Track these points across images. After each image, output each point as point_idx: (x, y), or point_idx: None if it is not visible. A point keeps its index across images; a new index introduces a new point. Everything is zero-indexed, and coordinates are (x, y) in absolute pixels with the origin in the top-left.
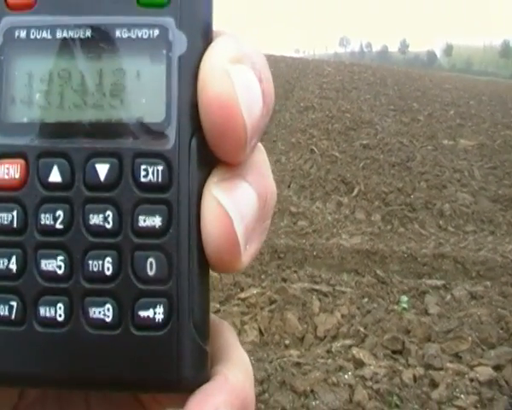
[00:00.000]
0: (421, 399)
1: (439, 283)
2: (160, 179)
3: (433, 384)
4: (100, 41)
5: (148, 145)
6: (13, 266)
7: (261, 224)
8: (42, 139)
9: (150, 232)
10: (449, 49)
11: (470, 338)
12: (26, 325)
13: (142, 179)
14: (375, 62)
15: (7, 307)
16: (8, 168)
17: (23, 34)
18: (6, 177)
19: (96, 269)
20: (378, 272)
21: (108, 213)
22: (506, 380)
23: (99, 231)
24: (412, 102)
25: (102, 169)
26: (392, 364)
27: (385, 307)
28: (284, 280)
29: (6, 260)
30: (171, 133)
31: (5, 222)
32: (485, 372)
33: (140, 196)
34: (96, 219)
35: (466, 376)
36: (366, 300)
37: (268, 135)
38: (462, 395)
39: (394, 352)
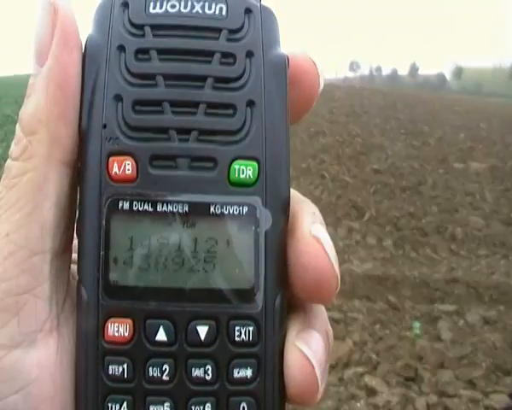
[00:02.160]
0: None
1: (452, 308)
2: (250, 338)
3: None
4: (196, 215)
5: (239, 308)
6: None
7: (327, 365)
8: (147, 302)
9: (243, 381)
10: (458, 72)
11: (484, 364)
12: None
13: (236, 339)
14: (385, 86)
15: None
16: (118, 326)
17: (126, 206)
18: (116, 334)
19: None
20: (390, 297)
21: (208, 367)
22: None
23: (200, 382)
24: (422, 126)
25: (203, 330)
26: (404, 391)
27: (397, 334)
28: None
29: (118, 406)
30: (259, 298)
31: (116, 373)
32: (500, 399)
33: (234, 352)
34: (197, 372)
35: (480, 403)
36: (378, 326)
37: None
38: None
39: (407, 379)
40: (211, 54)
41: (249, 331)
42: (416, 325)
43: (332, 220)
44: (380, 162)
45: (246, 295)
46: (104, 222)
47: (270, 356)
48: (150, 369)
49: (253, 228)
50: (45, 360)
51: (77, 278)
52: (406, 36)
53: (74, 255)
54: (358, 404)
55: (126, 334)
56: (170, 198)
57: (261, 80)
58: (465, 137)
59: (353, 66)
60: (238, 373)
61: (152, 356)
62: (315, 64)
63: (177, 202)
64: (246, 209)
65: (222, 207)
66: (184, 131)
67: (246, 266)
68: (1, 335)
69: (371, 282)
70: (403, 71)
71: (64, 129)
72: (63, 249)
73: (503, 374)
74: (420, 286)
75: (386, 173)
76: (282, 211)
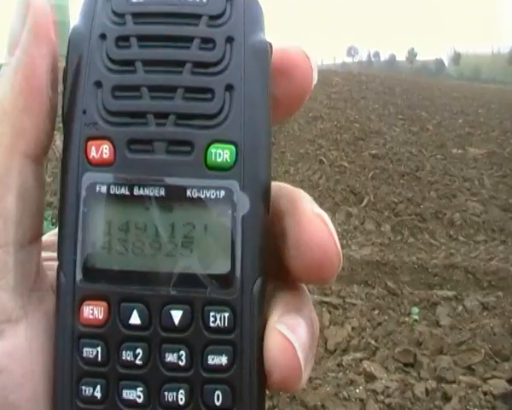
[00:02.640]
0: None
1: (451, 294)
2: (226, 324)
3: (446, 398)
4: (172, 199)
5: (215, 294)
6: (97, 394)
7: (312, 353)
8: (122, 285)
9: (217, 369)
10: (457, 58)
11: (483, 350)
12: None
13: (211, 324)
14: (383, 72)
15: None
16: (92, 309)
17: (104, 189)
18: (91, 316)
19: (170, 399)
20: (388, 283)
21: (182, 352)
22: None
23: (173, 367)
24: (421, 112)
25: (177, 315)
26: (403, 377)
27: (396, 319)
28: None
29: (91, 389)
30: (236, 284)
31: (90, 356)
32: (499, 385)
33: (209, 338)
34: (171, 357)
35: (479, 389)
36: (377, 312)
37: (276, 146)
38: (476, 409)
39: (406, 365)
40: (190, 39)
41: (225, 318)
42: (415, 310)
43: (330, 205)
44: (378, 148)
45: (222, 280)
46: (81, 206)
47: (247, 344)
48: (124, 353)
49: (230, 212)
50: (13, 349)
51: (50, 270)
52: (404, 21)
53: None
54: (357, 390)
55: (101, 316)
56: (146, 182)
57: (241, 66)
58: (463, 123)
59: (351, 51)
60: (213, 360)
61: (125, 340)
62: (308, 58)
63: (154, 186)
64: (222, 193)
65: (198, 191)
66: (162, 116)
67: (222, 251)
68: None
69: (370, 267)
70: (401, 56)
71: (29, 121)
72: (29, 241)
73: (501, 360)
74: (418, 272)
75: (385, 159)
76: (261, 196)
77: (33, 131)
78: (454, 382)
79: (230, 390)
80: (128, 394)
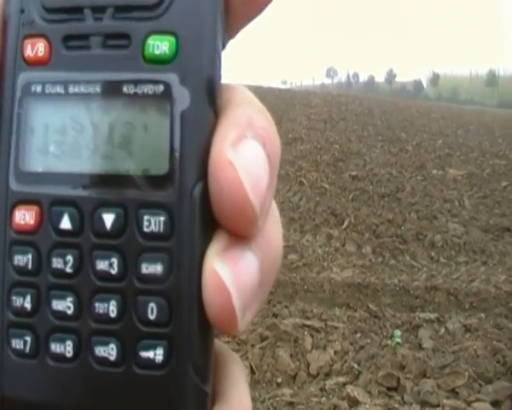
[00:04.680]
0: None
1: (433, 316)
2: (161, 229)
3: None
4: (108, 96)
5: (151, 197)
6: (27, 305)
7: (262, 290)
8: (55, 188)
9: (152, 279)
10: (435, 79)
11: (467, 373)
12: (38, 358)
13: (146, 229)
14: (362, 93)
15: (22, 342)
16: (24, 214)
17: (39, 89)
18: (22, 222)
19: (101, 311)
20: (370, 305)
21: (113, 259)
22: None
23: (105, 276)
24: (400, 133)
25: (109, 218)
26: (387, 401)
27: (378, 342)
28: (275, 316)
29: (22, 299)
30: (174, 186)
31: (21, 264)
32: (482, 408)
33: (143, 245)
34: (102, 265)
35: None
36: (359, 335)
37: None
38: None
39: (389, 389)
40: None
41: (160, 222)
42: (397, 333)
43: (311, 227)
44: (358, 169)
45: (158, 181)
46: (16, 107)
47: (186, 253)
48: (54, 260)
49: (169, 108)
50: None
51: None
52: (383, 43)
53: None
54: None
55: (32, 222)
56: (82, 79)
57: None
58: (442, 144)
59: (330, 72)
60: (147, 269)
61: (56, 246)
62: None
63: (90, 83)
64: (161, 88)
65: (136, 87)
66: (99, 10)
67: (159, 151)
68: None
69: (351, 290)
70: (380, 78)
71: None
72: None
73: (485, 383)
74: (400, 294)
75: (365, 180)
76: (204, 91)
77: None
78: (438, 405)
79: (166, 303)
80: (58, 304)
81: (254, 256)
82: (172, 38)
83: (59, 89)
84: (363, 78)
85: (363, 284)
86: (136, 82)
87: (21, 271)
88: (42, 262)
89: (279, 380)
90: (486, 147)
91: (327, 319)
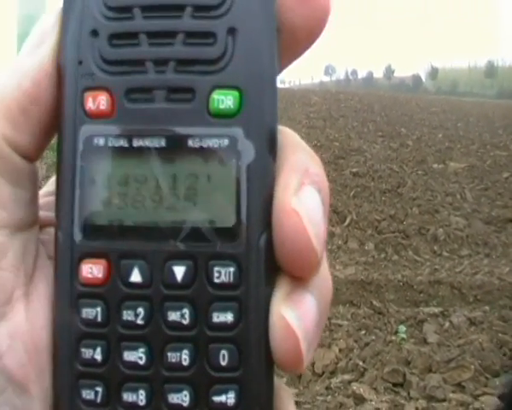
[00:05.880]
0: None
1: (437, 310)
2: (231, 279)
3: None
4: (173, 149)
5: (219, 248)
6: (98, 356)
7: (320, 327)
8: (122, 241)
9: (223, 326)
10: (434, 73)
11: (473, 367)
12: (110, 407)
13: (216, 280)
14: (360, 89)
15: (93, 392)
16: (91, 268)
17: (102, 142)
18: (90, 275)
19: (174, 360)
20: (374, 302)
21: (185, 310)
22: None
23: (177, 326)
24: (400, 128)
25: (179, 271)
26: (393, 398)
27: (383, 339)
28: None
29: (91, 350)
30: (241, 237)
31: (90, 316)
32: (490, 402)
33: (213, 295)
34: (173, 316)
35: (470, 406)
36: (363, 332)
37: None
38: None
39: (395, 385)
40: None
41: (230, 273)
42: (402, 329)
43: None
44: (358, 166)
45: (226, 233)
46: (79, 160)
47: (253, 301)
48: (124, 312)
49: (235, 162)
50: (16, 329)
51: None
52: (381, 38)
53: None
54: None
55: (100, 275)
56: (146, 132)
57: (244, 8)
58: (443, 138)
59: (329, 70)
60: (218, 318)
61: (126, 299)
62: None
63: (154, 136)
64: (226, 142)
65: (201, 140)
66: (161, 63)
67: (226, 203)
68: None
69: (354, 287)
70: (378, 74)
71: (25, 123)
72: (27, 223)
73: (491, 376)
74: (404, 289)
75: (366, 176)
76: (268, 143)
77: (27, 132)
78: (444, 400)
79: (236, 349)
80: (129, 355)
81: (313, 297)
82: (236, 92)
83: (122, 142)
84: (361, 74)
85: (366, 281)
86: (202, 136)
87: (90, 323)
88: (111, 314)
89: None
90: (487, 138)
91: (331, 317)
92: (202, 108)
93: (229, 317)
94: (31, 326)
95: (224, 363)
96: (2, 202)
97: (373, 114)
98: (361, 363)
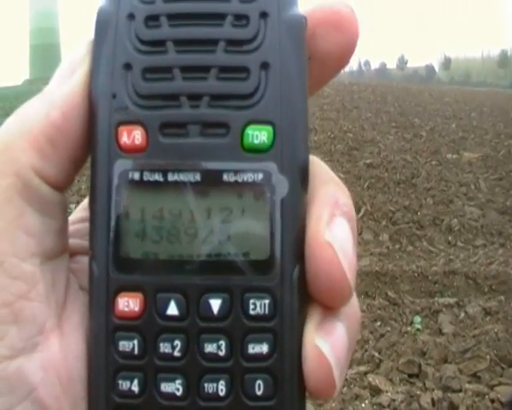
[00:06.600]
0: None
1: (452, 300)
2: (266, 312)
3: (453, 407)
4: (208, 184)
5: (254, 281)
6: (135, 388)
7: (350, 355)
8: (157, 274)
9: (258, 357)
10: (447, 63)
11: (488, 357)
12: None
13: (251, 312)
14: (374, 80)
15: None
16: (127, 301)
17: (137, 176)
18: (126, 309)
19: (210, 391)
20: (389, 293)
21: (221, 342)
22: None
23: (213, 358)
24: (413, 118)
25: (216, 303)
26: (409, 388)
27: (398, 330)
28: None
29: (129, 382)
30: (275, 270)
31: (127, 349)
32: (506, 392)
33: (249, 326)
34: (210, 348)
35: (486, 397)
36: (379, 323)
37: None
38: None
39: (411, 376)
40: (222, 16)
41: (265, 305)
42: (417, 319)
43: None
44: (372, 157)
45: (261, 266)
46: (114, 194)
47: (287, 332)
48: (161, 345)
49: (269, 196)
50: (49, 360)
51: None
52: (394, 29)
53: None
54: (363, 404)
55: (137, 309)
56: (181, 167)
57: (276, 42)
58: (456, 128)
59: None
60: (253, 349)
61: (163, 331)
62: (351, 8)
63: (189, 171)
64: (261, 176)
65: (235, 175)
66: (195, 97)
67: (261, 237)
68: (1, 346)
69: (369, 278)
70: (391, 64)
71: (53, 153)
72: (57, 252)
73: (507, 366)
74: (418, 280)
75: (380, 167)
76: (300, 178)
77: (55, 162)
78: (460, 390)
79: (271, 379)
80: (166, 386)
81: (343, 325)
82: (270, 128)
83: (157, 176)
84: (374, 65)
85: (381, 272)
86: (236, 171)
87: (127, 355)
88: (148, 346)
89: None
90: (501, 128)
91: None
92: (236, 142)
93: (264, 348)
94: (64, 357)
95: (259, 393)
96: (31, 232)
97: (386, 105)
98: (376, 354)
